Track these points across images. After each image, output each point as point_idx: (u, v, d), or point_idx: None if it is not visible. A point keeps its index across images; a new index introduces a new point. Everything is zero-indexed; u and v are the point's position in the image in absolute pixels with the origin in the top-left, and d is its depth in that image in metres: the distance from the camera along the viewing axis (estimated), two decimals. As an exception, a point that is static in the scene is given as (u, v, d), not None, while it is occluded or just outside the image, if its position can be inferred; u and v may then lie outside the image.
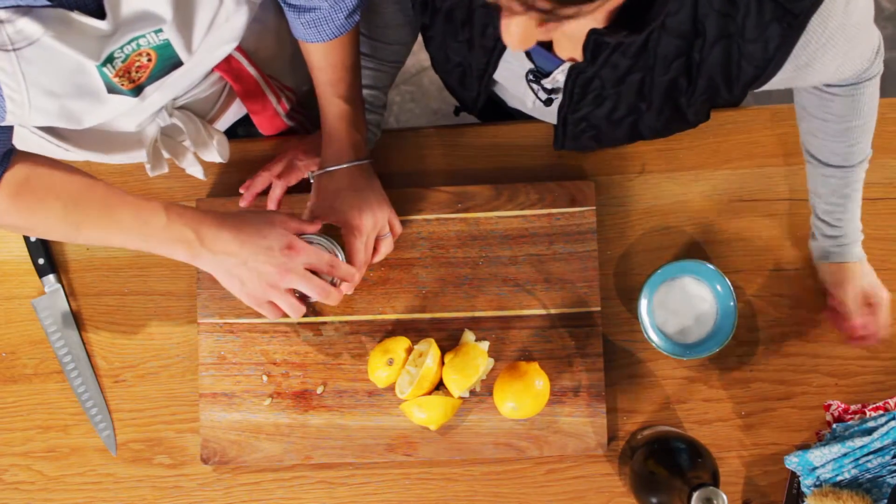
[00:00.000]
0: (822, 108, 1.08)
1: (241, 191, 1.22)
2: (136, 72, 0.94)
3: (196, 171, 1.20)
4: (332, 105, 1.11)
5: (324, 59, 1.09)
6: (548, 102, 1.07)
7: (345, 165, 1.12)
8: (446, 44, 1.09)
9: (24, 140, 1.12)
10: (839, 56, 0.93)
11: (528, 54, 1.03)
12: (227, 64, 1.14)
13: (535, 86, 1.06)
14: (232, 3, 0.98)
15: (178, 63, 0.97)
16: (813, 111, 1.10)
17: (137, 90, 0.97)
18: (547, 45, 1.00)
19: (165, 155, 1.17)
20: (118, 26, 0.88)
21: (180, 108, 1.16)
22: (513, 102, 1.21)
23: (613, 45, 0.94)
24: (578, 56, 0.93)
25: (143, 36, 0.90)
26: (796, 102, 1.13)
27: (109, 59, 0.90)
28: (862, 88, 1.05)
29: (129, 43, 0.90)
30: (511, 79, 1.09)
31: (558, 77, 1.02)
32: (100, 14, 0.86)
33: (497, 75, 1.10)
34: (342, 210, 1.12)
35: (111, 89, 0.93)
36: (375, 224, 1.14)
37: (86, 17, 0.84)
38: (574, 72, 0.99)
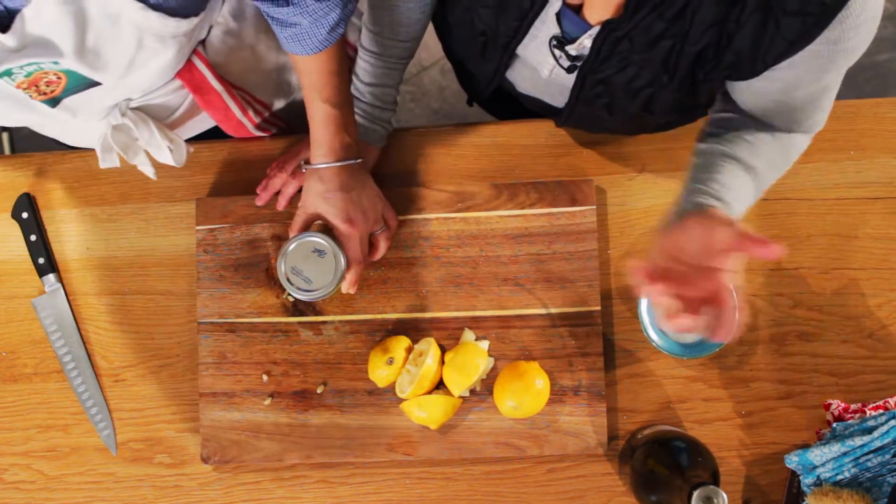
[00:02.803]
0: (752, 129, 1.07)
1: (258, 191, 1.23)
2: (47, 86, 0.93)
3: (147, 170, 1.20)
4: (318, 110, 1.10)
5: (306, 63, 1.08)
6: (570, 69, 1.06)
7: (330, 165, 1.11)
8: (473, 8, 1.07)
9: None
10: (862, 43, 0.92)
11: (558, 18, 1.02)
12: (188, 73, 1.13)
13: (558, 52, 1.05)
14: (154, 44, 0.96)
15: (95, 83, 0.96)
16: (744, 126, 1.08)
17: (53, 102, 0.96)
18: (576, 9, 1.00)
19: (116, 149, 1.16)
20: (22, 45, 0.86)
21: (136, 108, 1.15)
22: (524, 80, 1.19)
23: (654, 3, 0.93)
24: (610, 16, 0.92)
25: (42, 64, 0.89)
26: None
27: (7, 73, 0.88)
28: (793, 138, 1.06)
29: (28, 64, 0.88)
30: (534, 46, 1.08)
31: (585, 42, 1.01)
32: (3, 28, 0.85)
33: (521, 46, 1.08)
34: (331, 212, 1.12)
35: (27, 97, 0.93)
36: (367, 223, 1.14)
37: None
38: (607, 28, 0.98)
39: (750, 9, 0.91)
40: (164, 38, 0.97)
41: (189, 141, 1.24)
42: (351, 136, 1.13)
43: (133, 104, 1.14)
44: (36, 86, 0.92)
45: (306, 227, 1.14)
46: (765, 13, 0.91)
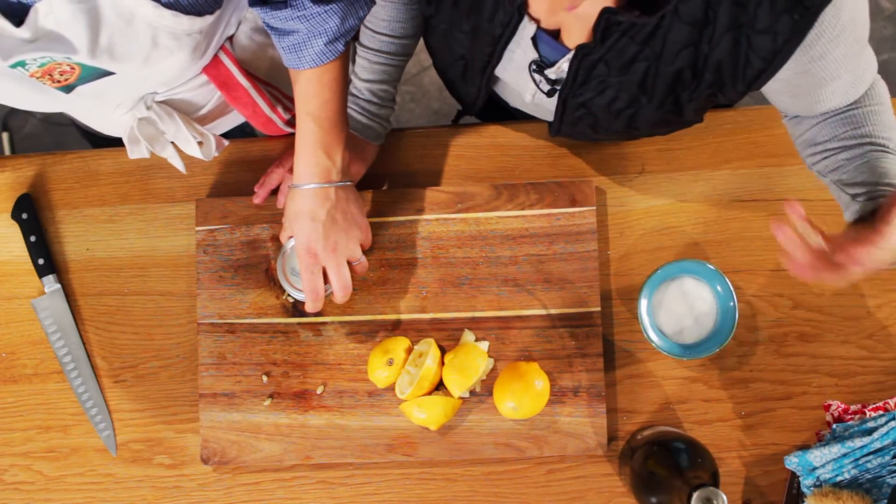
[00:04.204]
0: (848, 125, 1.03)
1: (256, 189, 1.23)
2: (60, 75, 0.93)
3: (177, 163, 1.19)
4: (300, 122, 1.07)
5: (299, 74, 1.05)
6: (550, 93, 1.07)
7: (301, 186, 1.08)
8: (450, 34, 1.08)
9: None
10: (848, 56, 0.94)
11: (535, 43, 1.02)
12: (214, 69, 1.12)
13: (538, 76, 1.05)
14: (169, 42, 0.96)
15: (109, 72, 0.96)
16: (829, 143, 1.05)
17: (67, 89, 0.95)
18: (554, 34, 1.00)
19: (143, 141, 1.15)
20: (36, 38, 0.86)
21: (163, 101, 1.14)
22: (512, 99, 1.20)
23: (623, 28, 0.93)
24: (585, 40, 0.93)
25: (55, 56, 0.89)
26: (808, 151, 1.07)
27: (20, 64, 0.89)
28: (869, 92, 1.03)
29: (41, 57, 0.89)
30: (513, 70, 1.08)
31: (563, 66, 1.02)
32: (18, 21, 0.85)
33: (499, 69, 1.09)
34: (297, 237, 1.10)
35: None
36: (334, 256, 1.10)
37: (2, 19, 0.84)
38: (581, 53, 0.99)
39: (721, 29, 0.92)
40: (179, 35, 0.97)
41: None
42: (332, 160, 1.08)
43: (158, 98, 1.13)
44: (50, 75, 0.92)
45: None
46: (737, 32, 0.92)
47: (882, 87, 1.05)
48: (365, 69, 1.19)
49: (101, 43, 0.90)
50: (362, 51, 1.18)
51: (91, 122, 1.23)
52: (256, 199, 1.22)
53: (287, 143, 1.28)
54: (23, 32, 0.85)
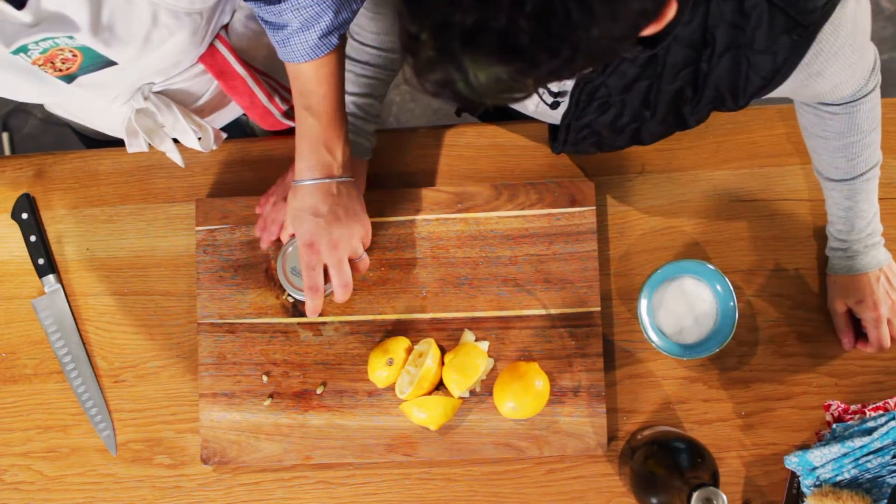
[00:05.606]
0: (821, 127, 1.09)
1: (258, 233, 1.20)
2: (62, 63, 0.93)
3: (175, 157, 1.19)
4: (299, 118, 1.07)
5: (296, 68, 1.05)
6: (554, 105, 1.07)
7: (302, 182, 1.08)
8: None
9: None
10: (847, 66, 0.95)
11: None
12: (211, 58, 1.12)
13: (540, 89, 1.05)
14: (169, 20, 0.96)
15: (111, 63, 0.95)
16: (813, 130, 1.11)
17: (68, 78, 0.95)
18: None
19: (142, 134, 1.15)
20: (38, 21, 0.86)
21: (160, 92, 1.14)
22: (515, 105, 1.20)
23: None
24: None
25: (57, 39, 0.89)
26: (799, 122, 1.15)
27: (23, 49, 0.88)
28: (858, 105, 1.06)
29: (43, 40, 0.88)
30: None
31: (566, 80, 1.02)
32: (19, 4, 0.85)
33: None
34: (298, 233, 1.10)
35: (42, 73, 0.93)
36: (335, 252, 1.09)
37: (2, 3, 0.83)
38: (582, 80, 0.99)
39: (720, 50, 0.92)
40: (179, 14, 0.96)
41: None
42: (332, 155, 1.07)
43: (156, 88, 1.13)
44: (52, 62, 0.92)
45: None
46: (736, 53, 0.92)
47: (874, 101, 1.07)
48: (351, 82, 1.17)
49: (102, 20, 0.90)
50: (349, 63, 1.17)
51: (88, 116, 1.23)
52: (264, 245, 1.19)
53: (286, 147, 1.27)
54: (24, 16, 0.85)
